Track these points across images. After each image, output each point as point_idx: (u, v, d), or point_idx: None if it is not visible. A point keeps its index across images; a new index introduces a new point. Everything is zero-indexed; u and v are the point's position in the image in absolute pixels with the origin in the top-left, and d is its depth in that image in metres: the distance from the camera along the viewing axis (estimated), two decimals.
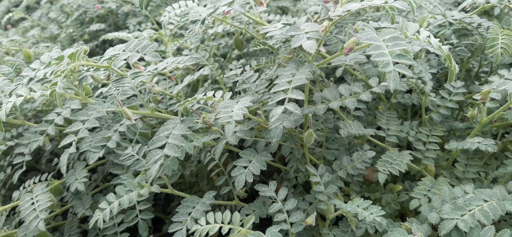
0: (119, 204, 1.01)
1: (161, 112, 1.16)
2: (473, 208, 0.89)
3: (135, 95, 1.12)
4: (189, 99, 1.04)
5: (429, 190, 1.11)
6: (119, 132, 1.20)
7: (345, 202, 1.03)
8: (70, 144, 1.08)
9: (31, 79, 1.16)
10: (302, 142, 1.09)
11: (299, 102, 0.94)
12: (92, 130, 1.39)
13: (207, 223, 0.93)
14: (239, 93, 1.33)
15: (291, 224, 1.00)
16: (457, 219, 0.87)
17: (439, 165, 1.27)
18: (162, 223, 1.64)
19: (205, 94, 1.05)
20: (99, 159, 1.45)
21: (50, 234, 1.25)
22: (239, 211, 1.03)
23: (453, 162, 1.23)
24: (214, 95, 1.05)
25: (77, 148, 1.48)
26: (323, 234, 1.08)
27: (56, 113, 1.29)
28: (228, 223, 0.92)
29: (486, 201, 0.91)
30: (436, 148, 1.21)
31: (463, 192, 0.96)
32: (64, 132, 1.14)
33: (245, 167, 1.01)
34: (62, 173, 1.16)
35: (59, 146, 1.12)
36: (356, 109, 1.27)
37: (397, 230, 0.91)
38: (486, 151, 1.07)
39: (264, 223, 1.12)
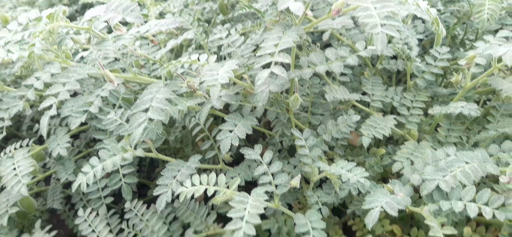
0: (103, 168, 0.99)
1: None
2: (455, 170, 0.91)
3: (117, 59, 1.10)
4: (173, 62, 1.02)
5: (411, 154, 1.12)
6: (101, 97, 1.17)
7: (329, 165, 1.04)
8: (50, 107, 1.06)
9: (8, 42, 1.12)
10: (288, 107, 1.09)
11: (285, 67, 0.93)
12: (73, 95, 1.36)
13: (193, 185, 0.93)
14: (224, 58, 1.31)
15: (276, 186, 1.00)
16: (439, 179, 0.89)
17: (422, 130, 1.29)
18: (147, 189, 1.64)
19: (189, 57, 1.03)
20: (82, 124, 1.42)
21: (33, 199, 1.24)
22: (224, 175, 1.04)
23: (436, 127, 1.24)
24: (198, 58, 1.03)
25: (59, 114, 1.45)
26: (307, 196, 1.09)
27: (36, 77, 1.25)
28: (214, 185, 0.92)
29: (467, 163, 0.93)
30: (420, 113, 1.22)
31: (445, 154, 0.98)
32: (44, 95, 1.11)
33: (231, 131, 1.01)
34: (43, 137, 1.14)
35: (39, 108, 1.10)
36: (342, 74, 1.27)
37: (380, 190, 0.93)
38: (469, 116, 1.08)
39: (249, 187, 1.13)
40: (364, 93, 1.28)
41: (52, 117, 1.19)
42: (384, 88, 1.29)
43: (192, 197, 1.35)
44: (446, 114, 1.20)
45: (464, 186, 0.88)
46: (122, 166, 1.12)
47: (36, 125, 1.50)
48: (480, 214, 1.11)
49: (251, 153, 1.03)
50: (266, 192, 0.98)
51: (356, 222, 1.24)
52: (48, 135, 1.39)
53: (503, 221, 0.81)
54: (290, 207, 1.19)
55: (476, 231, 1.10)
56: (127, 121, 1.09)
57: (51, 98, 1.06)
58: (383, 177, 1.28)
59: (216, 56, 1.06)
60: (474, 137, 1.19)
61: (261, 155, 1.04)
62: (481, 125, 1.27)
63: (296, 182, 1.02)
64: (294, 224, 1.13)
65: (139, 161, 1.71)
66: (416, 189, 1.04)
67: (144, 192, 1.57)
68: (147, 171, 1.75)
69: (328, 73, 1.23)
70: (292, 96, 1.04)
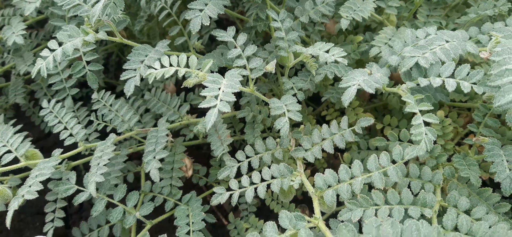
0: (63, 52, 0.91)
1: None
2: (435, 47, 0.88)
3: None
4: None
5: (390, 39, 1.09)
6: None
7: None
8: None
9: None
10: None
11: None
12: None
13: (162, 66, 0.87)
14: None
15: (251, 70, 0.96)
16: (418, 56, 0.86)
17: (401, 16, 1.24)
18: (115, 87, 1.58)
19: None
20: (39, 13, 1.31)
21: None
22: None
23: (415, 13, 1.20)
24: None
25: (12, 5, 1.33)
26: (282, 83, 1.06)
27: None
28: (185, 66, 0.87)
29: (447, 41, 0.90)
30: None
31: (425, 33, 0.94)
32: None
33: (201, 10, 0.93)
34: None
35: None
36: None
37: (358, 70, 0.90)
38: None
39: (222, 74, 1.08)
40: None
41: (4, 7, 1.07)
42: None
43: (164, 88, 1.31)
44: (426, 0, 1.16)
45: (443, 63, 0.86)
46: (85, 53, 1.03)
47: None
48: (453, 100, 1.13)
49: (223, 35, 0.96)
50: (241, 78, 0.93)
51: (329, 112, 1.24)
52: (1, 27, 1.28)
53: (480, 94, 0.80)
54: None
55: (448, 116, 1.11)
56: (85, 1, 0.99)
57: None
58: (360, 66, 1.26)
59: None
60: (453, 23, 1.16)
61: (235, 38, 0.98)
62: (460, 12, 1.23)
63: (271, 66, 0.97)
64: (269, 114, 1.12)
65: (105, 61, 1.63)
66: (392, 78, 1.02)
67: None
68: (114, 72, 1.67)
69: None
70: None
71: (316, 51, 0.93)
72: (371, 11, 1.09)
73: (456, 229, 0.75)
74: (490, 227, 0.72)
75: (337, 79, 1.12)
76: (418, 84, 0.86)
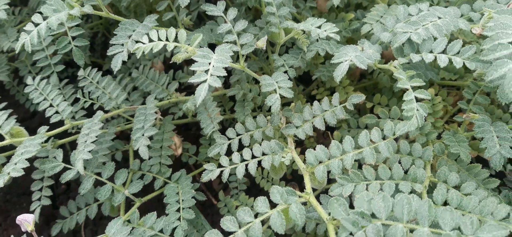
0: (47, 25, 0.89)
1: None
2: (427, 23, 0.87)
3: None
4: None
5: (381, 16, 1.08)
6: None
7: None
8: None
9: None
10: None
11: None
12: None
13: (150, 41, 0.85)
14: None
15: (241, 46, 0.94)
16: (410, 32, 0.86)
17: None
18: (101, 67, 1.54)
19: None
20: None
21: None
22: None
23: None
24: None
25: None
26: (273, 60, 1.04)
27: None
28: (174, 41, 0.85)
29: (439, 18, 0.89)
30: None
31: (418, 10, 0.94)
32: None
33: None
34: None
35: None
36: None
37: (349, 46, 0.89)
38: None
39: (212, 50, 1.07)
40: None
41: None
42: None
43: (152, 66, 1.28)
44: None
45: (435, 39, 0.85)
46: (70, 28, 1.00)
47: None
48: (443, 78, 1.13)
49: (213, 10, 0.94)
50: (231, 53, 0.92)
51: (320, 91, 1.23)
52: None
53: (471, 71, 0.80)
54: None
55: (438, 95, 1.11)
56: None
57: None
58: (351, 43, 1.25)
59: None
60: (444, 1, 1.15)
61: (224, 13, 0.95)
62: None
63: (262, 43, 0.95)
64: (259, 93, 1.11)
65: (91, 40, 1.59)
66: (383, 56, 1.01)
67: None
68: (100, 51, 1.63)
69: None
70: None
71: (308, 27, 0.92)
72: None
73: (446, 203, 0.76)
74: (480, 201, 0.72)
75: (328, 58, 1.11)
76: (409, 61, 0.86)
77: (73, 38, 1.00)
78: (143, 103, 1.13)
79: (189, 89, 1.41)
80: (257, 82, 1.05)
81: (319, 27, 0.92)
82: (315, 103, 0.95)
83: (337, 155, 0.81)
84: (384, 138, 0.83)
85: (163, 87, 1.14)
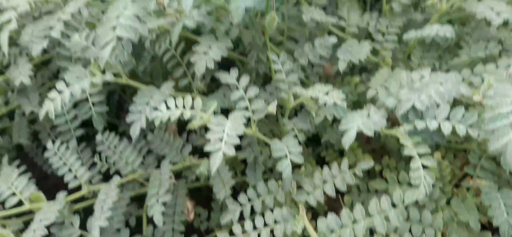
0: (71, 93, 0.94)
1: None
2: (430, 90, 0.91)
3: None
4: None
5: (386, 80, 1.12)
6: (63, 21, 1.09)
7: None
8: (9, 21, 0.97)
9: None
10: (264, 30, 1.05)
11: None
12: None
13: (168, 108, 0.89)
14: None
15: (253, 111, 0.99)
16: (414, 99, 0.89)
17: (395, 57, 1.29)
18: (117, 127, 1.59)
19: None
20: (44, 53, 1.34)
21: None
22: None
23: (409, 55, 1.24)
24: None
25: (18, 44, 1.35)
26: (283, 124, 1.08)
27: None
28: (190, 108, 0.89)
29: (441, 84, 0.93)
30: (394, 39, 1.21)
31: (420, 76, 0.98)
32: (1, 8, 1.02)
33: (205, 53, 0.97)
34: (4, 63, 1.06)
35: None
36: None
37: (356, 112, 0.93)
38: (444, 37, 1.08)
39: (224, 115, 1.11)
40: (340, 18, 1.25)
41: (10, 45, 1.10)
42: (360, 12, 1.26)
43: (166, 129, 1.33)
44: (420, 41, 1.20)
45: (438, 105, 0.89)
46: (91, 95, 1.06)
47: None
48: (449, 141, 1.16)
49: (227, 77, 1.00)
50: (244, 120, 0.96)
51: (329, 152, 1.26)
52: (8, 65, 1.31)
53: (475, 137, 0.83)
54: None
55: (444, 158, 1.13)
56: (94, 44, 1.03)
57: (10, 10, 0.97)
58: (357, 107, 1.29)
59: None
60: (446, 65, 1.20)
61: (237, 80, 1.01)
62: (453, 53, 1.28)
63: (272, 108, 1.00)
64: (270, 155, 1.14)
65: (107, 100, 1.65)
66: (389, 119, 1.05)
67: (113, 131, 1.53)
68: (115, 112, 1.69)
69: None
70: (268, 14, 0.99)
71: (316, 93, 0.97)
72: (367, 53, 1.14)
73: None
74: None
75: (336, 120, 1.15)
76: (415, 127, 0.89)
77: (94, 104, 1.06)
78: (157, 166, 1.16)
79: (203, 151, 1.45)
80: (267, 143, 1.09)
81: (326, 93, 0.97)
82: (325, 168, 0.98)
83: (348, 225, 0.83)
84: (393, 205, 0.84)
85: (177, 150, 1.17)
